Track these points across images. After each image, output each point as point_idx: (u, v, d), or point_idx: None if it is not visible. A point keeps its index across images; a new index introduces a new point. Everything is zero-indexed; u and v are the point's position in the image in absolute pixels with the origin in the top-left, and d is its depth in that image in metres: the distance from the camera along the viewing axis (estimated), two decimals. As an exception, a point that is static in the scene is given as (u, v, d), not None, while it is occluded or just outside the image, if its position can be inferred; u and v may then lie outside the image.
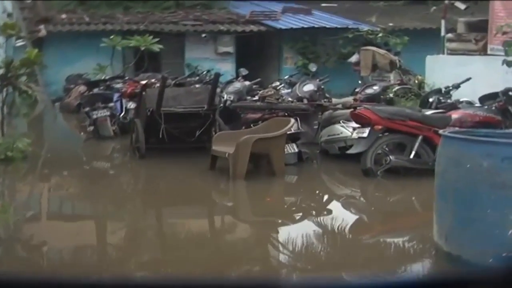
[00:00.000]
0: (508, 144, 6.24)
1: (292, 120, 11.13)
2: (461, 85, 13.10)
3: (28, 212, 9.53)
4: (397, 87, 15.75)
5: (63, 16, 22.74)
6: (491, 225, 6.00)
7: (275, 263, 7.57)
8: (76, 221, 9.38)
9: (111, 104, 15.07)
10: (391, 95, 14.73)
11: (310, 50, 23.16)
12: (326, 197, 10.71)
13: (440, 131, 7.22)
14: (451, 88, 13.25)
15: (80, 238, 8.28)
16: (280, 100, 12.96)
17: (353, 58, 19.96)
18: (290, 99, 13.61)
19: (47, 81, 20.81)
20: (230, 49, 23.29)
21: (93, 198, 10.56)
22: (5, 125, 14.13)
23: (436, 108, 12.20)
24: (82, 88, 17.96)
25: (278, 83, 16.91)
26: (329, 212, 9.59)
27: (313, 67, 19.04)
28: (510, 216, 5.89)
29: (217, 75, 13.32)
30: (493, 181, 5.98)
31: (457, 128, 9.20)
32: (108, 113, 14.63)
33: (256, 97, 13.55)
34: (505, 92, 11.32)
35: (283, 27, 22.80)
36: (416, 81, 17.17)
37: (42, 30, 21.27)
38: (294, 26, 22.76)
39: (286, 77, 18.53)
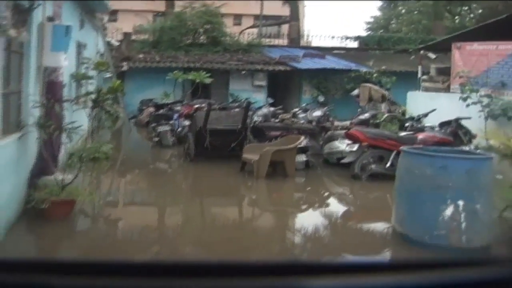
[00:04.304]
0: (443, 157, 6.53)
1: (302, 137, 11.36)
2: (429, 114, 13.11)
3: (108, 197, 9.85)
4: (386, 115, 15.82)
5: (140, 55, 22.74)
6: (429, 214, 6.32)
7: (287, 240, 7.74)
8: (143, 205, 9.58)
9: (171, 122, 15.27)
10: (380, 120, 14.85)
11: (323, 85, 22.98)
12: (324, 193, 10.85)
13: (401, 147, 7.40)
14: (421, 116, 13.32)
15: (146, 218, 8.50)
16: (294, 122, 13.36)
17: (355, 92, 19.81)
18: (302, 121, 13.96)
19: (126, 103, 20.63)
20: (263, 82, 23.11)
21: (155, 189, 10.82)
22: (95, 135, 14.77)
23: (409, 130, 12.26)
24: (151, 109, 18.18)
25: (297, 109, 17.20)
26: (327, 203, 9.91)
27: (321, 98, 19.35)
28: (441, 207, 6.20)
29: (248, 103, 13.60)
30: (432, 183, 6.29)
31: (421, 145, 9.17)
32: (169, 128, 14.87)
33: (278, 120, 13.75)
34: (456, 120, 11.50)
35: (303, 68, 22.63)
36: (401, 111, 17.26)
37: (124, 66, 21.46)
38: (311, 67, 22.58)
39: (303, 105, 18.55)
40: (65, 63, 8.35)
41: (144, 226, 7.99)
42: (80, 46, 12.79)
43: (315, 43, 31.95)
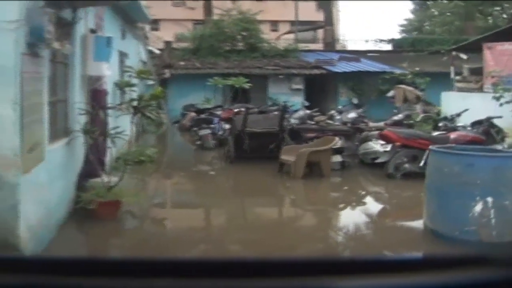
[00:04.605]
0: (470, 155, 6.57)
1: (336, 138, 11.40)
2: (462, 114, 13.00)
3: (153, 198, 10.03)
4: (421, 115, 15.72)
5: (182, 63, 23.03)
6: (458, 210, 6.33)
7: (326, 238, 7.76)
8: (187, 206, 9.76)
9: (212, 125, 15.49)
10: (415, 120, 14.73)
11: (358, 87, 22.95)
12: (359, 192, 10.80)
13: (430, 146, 7.42)
14: (454, 116, 13.23)
15: (190, 218, 8.74)
16: (328, 124, 13.37)
17: (390, 93, 19.79)
18: (337, 123, 13.99)
19: (169, 108, 21.22)
20: (300, 86, 23.16)
21: (198, 189, 11.03)
22: (140, 139, 15.11)
23: (442, 130, 12.21)
24: (193, 114, 18.35)
25: (333, 111, 17.29)
26: (361, 202, 9.88)
27: (355, 100, 19.32)
28: (470, 204, 6.21)
29: (285, 106, 13.72)
30: (460, 181, 6.31)
31: (453, 145, 9.09)
32: (210, 131, 15.09)
33: (313, 122, 13.79)
34: (487, 119, 11.31)
35: (339, 71, 22.67)
36: (435, 111, 17.17)
37: (167, 73, 21.87)
38: (347, 70, 22.59)
39: (339, 107, 18.67)
40: (108, 72, 8.63)
41: (188, 225, 8.19)
42: (123, 55, 13.13)
43: (350, 46, 31.86)
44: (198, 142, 15.31)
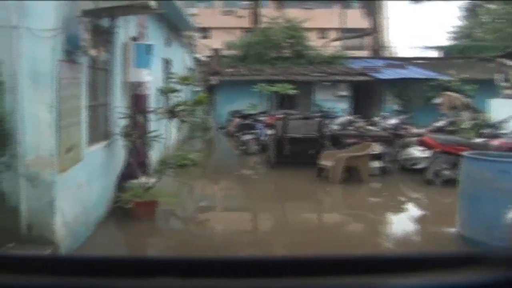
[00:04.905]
0: (503, 161, 6.44)
1: (374, 144, 11.39)
2: (510, 121, 12.67)
3: (191, 198, 10.29)
4: (468, 122, 15.40)
5: (229, 69, 23.31)
6: (490, 216, 6.18)
7: (362, 240, 7.70)
8: (224, 207, 9.92)
9: (255, 131, 15.62)
10: (460, 127, 14.43)
11: (404, 94, 22.55)
12: (397, 197, 10.62)
13: (462, 153, 7.27)
14: (499, 122, 12.97)
15: (227, 219, 8.85)
16: (368, 129, 13.23)
17: (437, 100, 19.62)
18: (377, 129, 13.87)
19: (217, 114, 21.60)
20: (345, 92, 23.03)
21: (236, 192, 11.21)
22: (187, 144, 15.36)
23: (486, 137, 11.88)
24: (238, 119, 18.53)
25: (377, 118, 17.15)
26: (399, 208, 9.78)
27: (396, 107, 19.08)
28: (502, 210, 6.02)
29: (324, 112, 13.80)
30: (492, 187, 6.18)
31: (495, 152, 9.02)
32: (252, 137, 15.23)
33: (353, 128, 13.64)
34: None
35: (384, 78, 22.39)
36: (483, 118, 16.79)
37: (214, 80, 22.15)
38: (392, 77, 22.29)
39: (384, 113, 18.70)
40: (148, 78, 8.85)
41: (225, 227, 8.28)
42: (167, 62, 13.41)
43: (398, 53, 31.53)
44: (243, 147, 15.44)
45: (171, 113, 8.82)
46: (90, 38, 5.92)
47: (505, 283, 1.16)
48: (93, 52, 6.17)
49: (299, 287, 1.15)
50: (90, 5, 6.16)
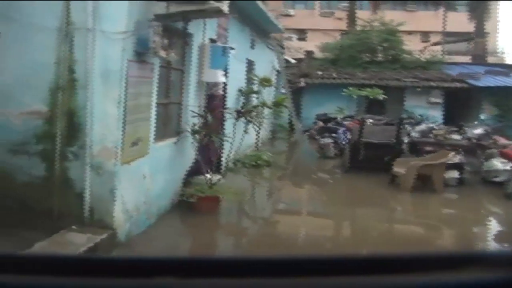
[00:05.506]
0: None
1: (452, 153, 11.10)
2: None
3: (258, 197, 10.66)
4: None
5: (319, 72, 23.26)
6: None
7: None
8: (288, 209, 10.09)
9: (335, 135, 15.63)
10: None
11: (503, 103, 21.52)
12: (473, 212, 10.15)
13: None
14: None
15: (290, 220, 9.03)
16: (447, 138, 12.93)
17: None
18: (458, 137, 13.50)
19: (304, 116, 21.66)
20: (439, 99, 22.39)
21: (307, 195, 11.38)
22: (269, 145, 15.72)
23: None
24: (321, 123, 18.60)
25: (467, 127, 16.62)
26: (476, 222, 9.46)
27: (483, 116, 18.37)
28: None
29: (401, 119, 13.59)
30: None
31: None
32: (331, 140, 15.26)
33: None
34: None
35: (482, 85, 21.48)
36: None
37: (302, 82, 22.20)
38: (491, 85, 21.32)
39: (476, 122, 18.09)
40: (222, 79, 9.32)
41: (285, 228, 8.48)
42: (251, 64, 13.86)
43: (506, 59, 30.09)
44: (321, 151, 15.54)
45: (243, 113, 9.18)
46: (160, 40, 6.44)
47: (506, 283, 1.16)
48: (162, 54, 6.69)
49: (299, 287, 1.17)
50: (162, 9, 6.69)
